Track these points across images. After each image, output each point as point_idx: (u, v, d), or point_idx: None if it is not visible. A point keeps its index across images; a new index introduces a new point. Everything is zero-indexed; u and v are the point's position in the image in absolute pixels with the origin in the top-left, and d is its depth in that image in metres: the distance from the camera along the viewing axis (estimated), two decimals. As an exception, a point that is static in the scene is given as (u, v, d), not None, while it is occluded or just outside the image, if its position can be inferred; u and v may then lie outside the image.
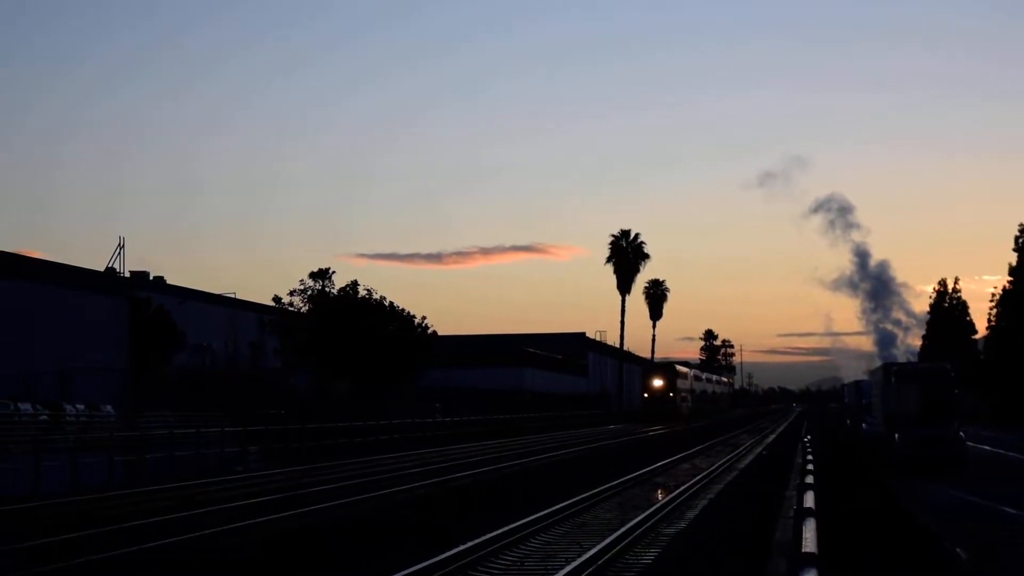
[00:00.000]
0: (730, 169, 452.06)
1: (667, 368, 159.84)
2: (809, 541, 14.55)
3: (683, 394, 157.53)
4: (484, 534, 23.63)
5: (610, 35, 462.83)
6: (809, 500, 21.31)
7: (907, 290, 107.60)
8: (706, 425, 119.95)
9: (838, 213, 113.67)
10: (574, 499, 32.21)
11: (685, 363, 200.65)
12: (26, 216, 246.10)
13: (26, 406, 49.92)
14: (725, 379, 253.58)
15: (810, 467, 33.98)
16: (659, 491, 37.95)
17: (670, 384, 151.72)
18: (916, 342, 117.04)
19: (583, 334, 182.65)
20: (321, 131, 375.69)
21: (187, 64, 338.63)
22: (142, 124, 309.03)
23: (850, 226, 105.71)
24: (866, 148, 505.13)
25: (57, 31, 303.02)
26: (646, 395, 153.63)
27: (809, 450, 48.74)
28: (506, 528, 24.85)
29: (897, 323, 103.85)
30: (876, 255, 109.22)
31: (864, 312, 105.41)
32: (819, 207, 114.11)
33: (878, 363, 70.09)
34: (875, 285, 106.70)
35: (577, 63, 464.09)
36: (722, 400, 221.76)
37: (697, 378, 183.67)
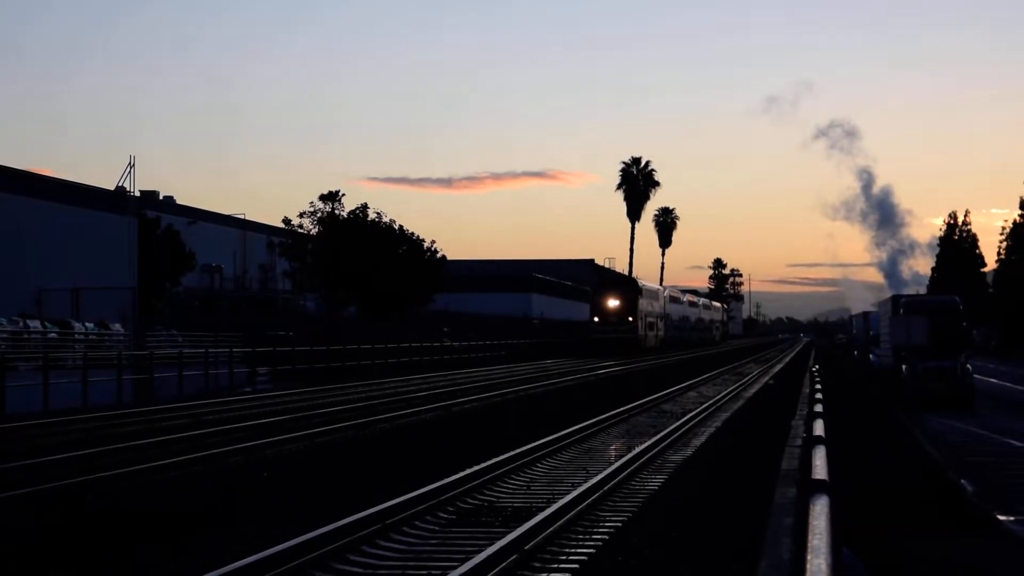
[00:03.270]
0: (744, 96, 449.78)
1: (625, 283, 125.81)
2: (820, 468, 14.59)
3: (650, 319, 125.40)
4: (488, 459, 23.71)
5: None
6: (819, 428, 21.35)
7: (912, 218, 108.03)
8: (672, 362, 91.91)
9: (844, 136, 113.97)
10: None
11: (693, 291, 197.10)
12: (37, 135, 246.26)
13: (35, 323, 50.08)
14: (717, 304, 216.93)
15: (818, 396, 33.96)
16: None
17: (629, 304, 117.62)
18: (923, 268, 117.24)
19: (592, 261, 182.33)
20: (334, 54, 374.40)
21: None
22: (156, 45, 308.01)
23: (856, 151, 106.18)
24: (876, 78, 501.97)
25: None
26: (596, 319, 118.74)
27: (818, 380, 48.73)
28: (514, 452, 24.92)
29: (902, 245, 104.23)
30: (881, 182, 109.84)
31: (867, 226, 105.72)
32: (825, 131, 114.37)
33: (887, 294, 70.09)
34: (880, 210, 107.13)
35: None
36: (713, 329, 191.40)
37: (675, 299, 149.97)
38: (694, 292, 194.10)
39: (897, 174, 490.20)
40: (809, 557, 9.01)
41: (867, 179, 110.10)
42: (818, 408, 26.93)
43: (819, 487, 12.59)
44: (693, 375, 64.54)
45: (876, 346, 68.06)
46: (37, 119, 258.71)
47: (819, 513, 10.81)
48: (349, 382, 57.87)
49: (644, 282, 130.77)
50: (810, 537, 9.75)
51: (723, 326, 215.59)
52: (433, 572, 14.70)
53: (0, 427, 33.32)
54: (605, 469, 22.80)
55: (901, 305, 52.13)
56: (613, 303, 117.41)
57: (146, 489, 21.38)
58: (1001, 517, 20.24)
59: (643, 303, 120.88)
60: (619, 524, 17.93)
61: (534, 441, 27.17)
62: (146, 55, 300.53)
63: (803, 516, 15.50)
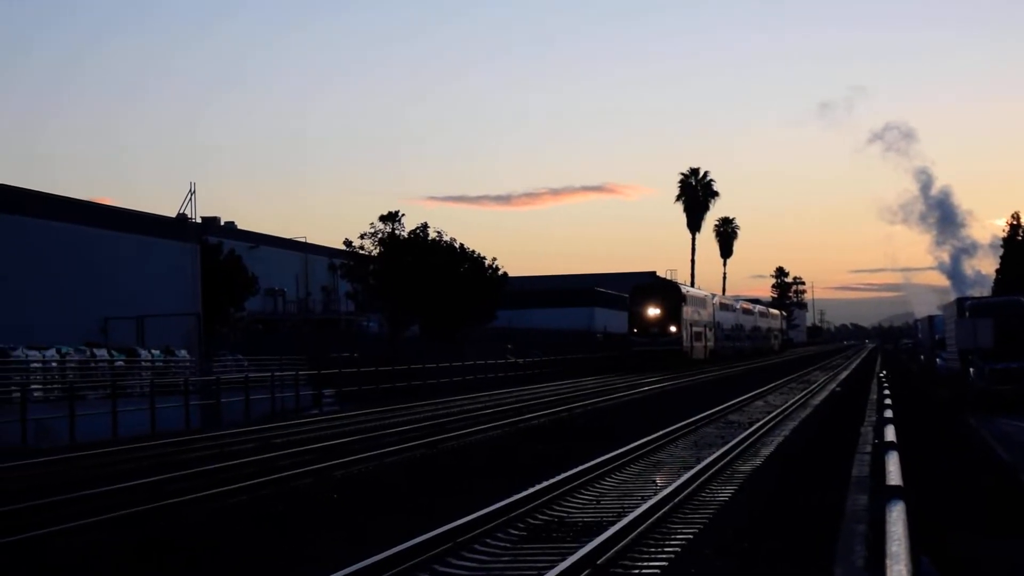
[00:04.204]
0: (798, 102, 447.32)
1: (667, 289, 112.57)
2: (894, 474, 14.47)
3: (696, 329, 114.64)
4: (557, 474, 23.68)
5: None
6: (890, 434, 21.18)
7: (974, 219, 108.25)
8: (732, 374, 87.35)
9: (900, 138, 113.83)
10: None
11: (755, 300, 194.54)
12: (99, 164, 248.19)
13: (102, 351, 50.39)
14: (776, 311, 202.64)
15: (888, 401, 33.76)
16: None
17: (671, 313, 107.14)
18: (987, 269, 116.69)
19: (654, 273, 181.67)
20: (390, 74, 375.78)
21: (253, 10, 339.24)
22: (215, 73, 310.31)
23: (913, 153, 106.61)
24: (931, 77, 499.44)
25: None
26: (635, 330, 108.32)
27: (886, 385, 48.43)
28: (582, 467, 24.87)
29: (964, 245, 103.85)
30: (940, 183, 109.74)
31: (928, 228, 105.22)
32: (880, 134, 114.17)
33: (951, 297, 69.63)
34: (939, 211, 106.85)
35: (642, 3, 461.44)
36: (771, 338, 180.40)
37: (726, 307, 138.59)
38: (756, 301, 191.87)
39: (956, 175, 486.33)
40: (888, 563, 8.93)
41: (926, 181, 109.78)
42: (888, 414, 26.75)
43: (894, 493, 12.48)
44: (757, 386, 64.18)
45: (942, 349, 67.58)
46: (98, 149, 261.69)
47: (896, 519, 10.73)
48: (415, 402, 57.94)
49: (689, 288, 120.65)
50: (888, 544, 9.67)
51: (782, 334, 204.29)
52: (506, 589, 14.68)
53: (71, 455, 33.54)
54: (674, 481, 22.72)
55: (966, 308, 51.75)
56: (653, 312, 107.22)
57: (216, 515, 21.44)
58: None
59: (688, 311, 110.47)
60: (690, 536, 17.86)
61: (603, 455, 27.11)
62: (205, 82, 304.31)
63: (876, 523, 15.38)
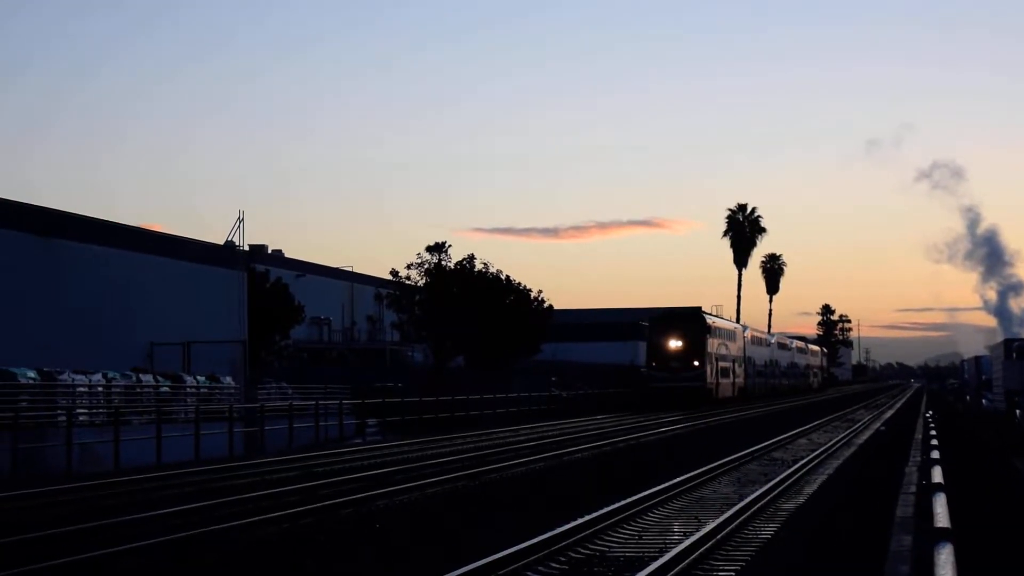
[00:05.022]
0: (848, 140, 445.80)
1: (689, 319, 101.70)
2: (941, 516, 14.35)
3: (723, 364, 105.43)
4: (600, 508, 23.60)
5: (719, 8, 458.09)
6: (937, 475, 21.03)
7: (1019, 257, 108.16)
8: (763, 414, 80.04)
9: (949, 176, 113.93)
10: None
11: (801, 338, 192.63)
12: (150, 191, 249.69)
13: (147, 377, 50.60)
14: (815, 347, 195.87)
15: (934, 442, 33.53)
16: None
17: (694, 345, 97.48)
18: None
19: (699, 308, 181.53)
20: (438, 106, 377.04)
21: (302, 40, 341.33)
22: (263, 104, 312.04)
23: (961, 191, 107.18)
24: (980, 118, 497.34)
25: (190, 22, 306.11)
26: (654, 364, 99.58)
27: (932, 425, 48.11)
28: (625, 501, 24.77)
29: (1012, 284, 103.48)
30: (987, 223, 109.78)
31: (974, 266, 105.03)
32: (928, 172, 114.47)
33: (999, 337, 69.30)
34: (986, 249, 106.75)
35: (690, 38, 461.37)
36: (810, 375, 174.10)
37: (758, 341, 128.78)
38: (801, 338, 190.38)
39: (1004, 214, 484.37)
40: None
41: (973, 219, 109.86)
42: (934, 455, 26.53)
43: (943, 535, 12.38)
44: (799, 424, 63.84)
45: (988, 390, 67.23)
46: (148, 176, 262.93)
47: (944, 562, 10.63)
48: (458, 433, 57.91)
49: (715, 318, 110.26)
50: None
51: (822, 371, 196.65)
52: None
53: (115, 480, 33.66)
54: (717, 518, 22.60)
55: (1013, 349, 51.51)
56: (674, 344, 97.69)
57: (258, 542, 21.44)
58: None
59: (713, 344, 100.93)
60: (732, 574, 17.76)
61: (645, 490, 27.00)
62: (253, 113, 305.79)
63: (919, 563, 15.26)
